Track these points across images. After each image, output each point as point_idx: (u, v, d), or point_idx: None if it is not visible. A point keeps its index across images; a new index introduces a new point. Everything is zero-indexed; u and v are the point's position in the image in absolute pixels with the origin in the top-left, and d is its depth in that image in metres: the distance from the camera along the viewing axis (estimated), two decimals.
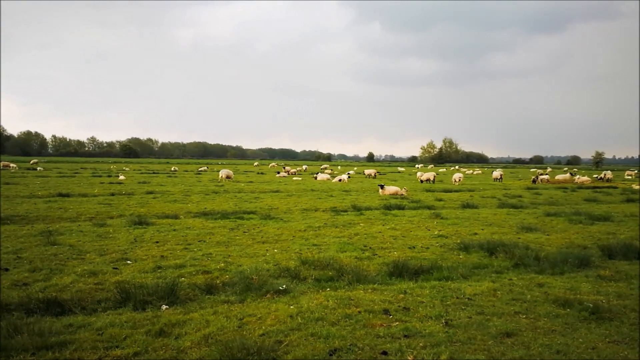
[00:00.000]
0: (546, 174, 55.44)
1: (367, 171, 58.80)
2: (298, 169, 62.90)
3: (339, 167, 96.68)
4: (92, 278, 8.40)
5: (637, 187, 38.45)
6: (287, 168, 63.24)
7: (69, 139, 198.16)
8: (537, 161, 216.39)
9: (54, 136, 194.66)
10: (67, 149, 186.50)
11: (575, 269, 9.35)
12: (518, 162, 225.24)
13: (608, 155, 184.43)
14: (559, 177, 49.79)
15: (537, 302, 7.25)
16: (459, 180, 42.29)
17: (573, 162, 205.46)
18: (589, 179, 47.41)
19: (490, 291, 7.76)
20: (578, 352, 5.41)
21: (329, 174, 57.17)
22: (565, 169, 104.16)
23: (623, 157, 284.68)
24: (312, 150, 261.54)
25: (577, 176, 50.26)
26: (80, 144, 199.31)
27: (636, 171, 79.78)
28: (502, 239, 12.16)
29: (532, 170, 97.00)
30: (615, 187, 38.68)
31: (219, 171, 46.39)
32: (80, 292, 7.59)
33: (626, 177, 63.40)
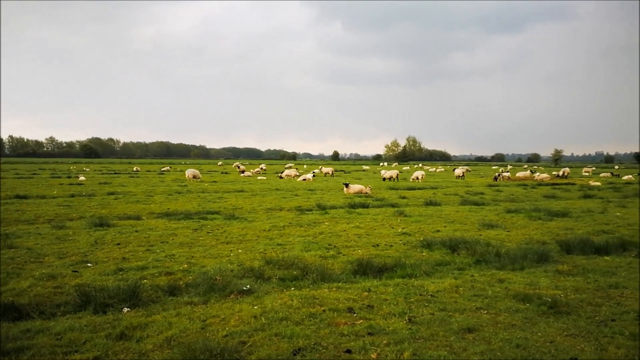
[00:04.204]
0: (507, 172, 56.58)
1: (324, 169, 58.83)
2: (256, 170, 62.20)
3: (305, 166, 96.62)
4: (51, 281, 8.20)
5: (594, 183, 39.53)
6: (242, 167, 62.68)
7: (27, 139, 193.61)
8: (499, 159, 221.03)
9: (10, 136, 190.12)
10: (25, 150, 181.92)
11: (534, 264, 9.56)
12: (480, 159, 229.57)
13: (566, 152, 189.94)
14: (520, 174, 50.87)
15: (497, 297, 7.38)
16: (422, 177, 42.75)
17: (533, 159, 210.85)
18: (548, 176, 48.57)
19: (452, 288, 7.87)
20: (537, 345, 5.52)
21: (296, 170, 57.02)
22: (526, 166, 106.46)
23: (581, 155, 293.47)
24: (277, 149, 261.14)
25: (537, 173, 51.50)
26: (38, 144, 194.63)
27: (594, 168, 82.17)
28: (464, 236, 12.35)
29: (493, 167, 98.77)
30: (573, 184, 39.68)
31: (183, 171, 45.86)
32: (38, 296, 7.39)
33: (584, 173, 65.15)
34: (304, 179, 41.81)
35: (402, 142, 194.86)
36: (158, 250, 10.92)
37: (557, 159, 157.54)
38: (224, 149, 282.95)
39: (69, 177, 42.89)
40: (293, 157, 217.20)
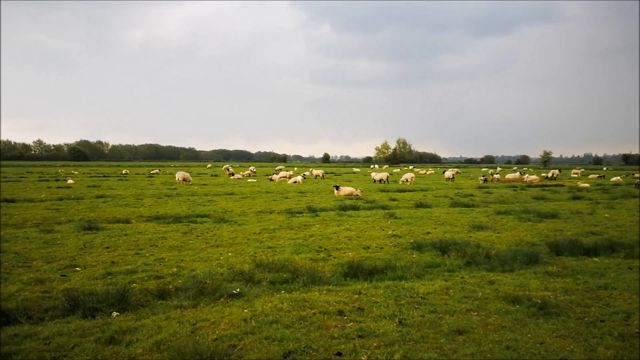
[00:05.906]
0: (497, 173, 56.85)
1: (315, 172, 58.84)
2: (246, 172, 62.00)
3: (295, 168, 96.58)
4: (39, 286, 8.12)
5: (583, 184, 39.80)
6: (231, 170, 62.79)
7: (14, 142, 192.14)
8: (488, 161, 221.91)
9: None
10: (12, 153, 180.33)
11: (524, 265, 9.60)
12: (470, 162, 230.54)
13: (555, 154, 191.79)
14: (509, 176, 51.14)
15: (487, 299, 7.40)
16: (411, 179, 42.88)
17: (522, 161, 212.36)
18: (537, 177, 48.86)
19: (442, 290, 7.88)
20: (527, 347, 5.54)
21: (290, 172, 56.99)
22: (515, 168, 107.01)
23: (569, 156, 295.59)
24: (268, 151, 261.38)
25: (527, 175, 51.80)
26: (26, 147, 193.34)
27: (582, 169, 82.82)
28: (454, 238, 12.39)
29: (483, 169, 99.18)
30: (562, 185, 39.92)
31: (172, 174, 45.68)
32: (26, 301, 7.32)
33: (572, 175, 65.57)
34: (295, 182, 41.79)
35: (393, 145, 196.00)
36: (147, 254, 10.85)
37: (546, 161, 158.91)
38: (214, 151, 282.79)
39: (57, 181, 42.59)
40: (283, 159, 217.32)
